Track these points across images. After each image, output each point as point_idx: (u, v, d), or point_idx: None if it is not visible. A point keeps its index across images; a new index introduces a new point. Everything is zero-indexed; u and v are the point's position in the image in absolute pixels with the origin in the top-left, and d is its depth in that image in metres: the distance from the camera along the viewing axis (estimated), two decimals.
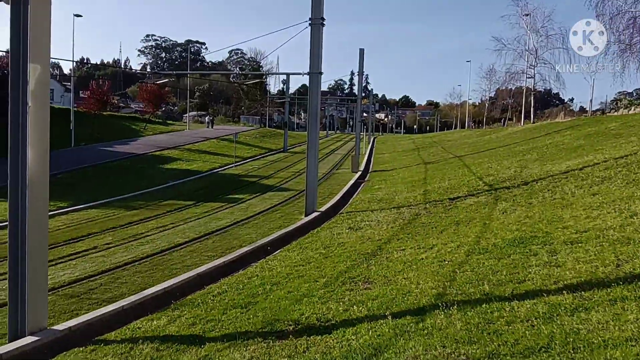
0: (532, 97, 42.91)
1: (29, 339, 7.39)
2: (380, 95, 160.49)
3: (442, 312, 5.70)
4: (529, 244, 7.52)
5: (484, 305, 5.58)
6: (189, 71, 59.68)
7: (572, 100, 62.81)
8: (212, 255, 13.09)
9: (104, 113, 49.00)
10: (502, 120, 73.92)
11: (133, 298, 9.34)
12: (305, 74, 18.56)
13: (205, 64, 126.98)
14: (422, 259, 8.70)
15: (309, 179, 18.87)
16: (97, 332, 8.14)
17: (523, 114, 46.93)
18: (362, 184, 27.63)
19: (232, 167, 36.00)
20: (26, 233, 7.34)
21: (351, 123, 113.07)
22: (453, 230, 10.90)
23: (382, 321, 5.85)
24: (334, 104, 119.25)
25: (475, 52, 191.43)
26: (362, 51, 34.60)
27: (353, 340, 5.50)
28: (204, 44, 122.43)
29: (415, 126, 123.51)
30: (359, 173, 33.36)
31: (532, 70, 42.74)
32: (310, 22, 17.89)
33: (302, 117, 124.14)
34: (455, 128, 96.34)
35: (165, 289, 9.89)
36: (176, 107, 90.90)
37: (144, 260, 12.80)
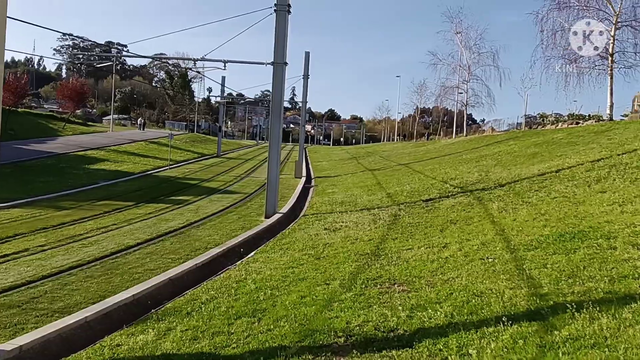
0: (465, 112, 44.16)
1: None
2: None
3: (577, 315, 4.60)
4: (585, 239, 6.82)
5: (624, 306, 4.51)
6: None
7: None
8: (176, 258, 11.46)
9: (19, 110, 44.33)
10: (427, 135, 76.04)
11: (97, 307, 7.64)
12: (268, 63, 17.32)
13: (127, 67, 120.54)
14: (448, 257, 7.81)
15: (270, 179, 17.61)
16: (57, 352, 6.44)
17: (455, 127, 48.28)
18: (311, 189, 26.71)
19: (167, 169, 33.65)
20: None
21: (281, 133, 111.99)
22: (456, 229, 10.17)
23: (484, 329, 4.68)
24: (264, 112, 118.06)
25: (407, 67, 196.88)
26: (307, 54, 33.88)
27: (468, 355, 4.24)
28: (125, 46, 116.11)
29: (341, 138, 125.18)
30: (303, 179, 32.36)
31: (465, 86, 44.06)
32: (275, 8, 16.75)
33: (228, 126, 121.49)
34: (382, 141, 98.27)
35: (134, 297, 8.29)
36: (95, 110, 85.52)
37: (93, 264, 10.90)
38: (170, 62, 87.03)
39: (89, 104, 74.87)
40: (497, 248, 7.51)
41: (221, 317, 6.64)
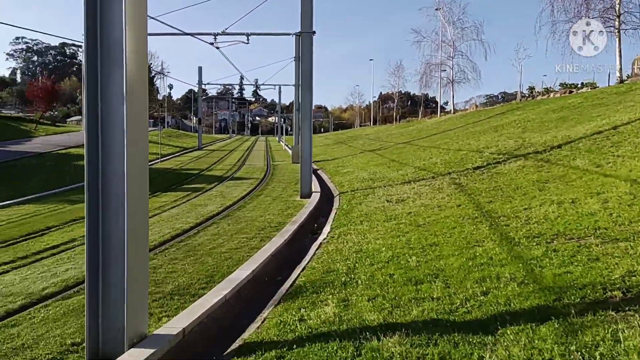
0: (452, 89, 44.15)
1: (138, 353, 4.68)
2: (269, 100, 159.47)
3: None
4: None
5: None
6: None
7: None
8: (250, 237, 10.58)
9: None
10: (398, 118, 76.15)
11: (228, 285, 6.73)
12: (295, 34, 16.44)
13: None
14: (600, 208, 7.27)
15: (304, 158, 16.82)
16: (214, 333, 5.60)
17: (439, 106, 48.31)
18: (319, 171, 25.97)
19: (159, 162, 32.17)
20: (125, 226, 4.71)
21: (249, 126, 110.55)
22: (560, 186, 9.69)
23: None
24: (232, 106, 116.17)
25: (381, 51, 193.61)
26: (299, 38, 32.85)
27: None
28: (80, 46, 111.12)
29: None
30: None
31: (451, 62, 44.04)
32: None
33: (193, 121, 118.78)
34: (353, 127, 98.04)
35: (253, 272, 7.41)
36: (56, 112, 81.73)
37: (164, 247, 9.88)
38: None
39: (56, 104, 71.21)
40: None
41: (397, 285, 5.86)
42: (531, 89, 38.89)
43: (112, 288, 4.78)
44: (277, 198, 16.84)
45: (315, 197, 15.80)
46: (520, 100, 35.27)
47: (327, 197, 16.41)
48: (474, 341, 4.05)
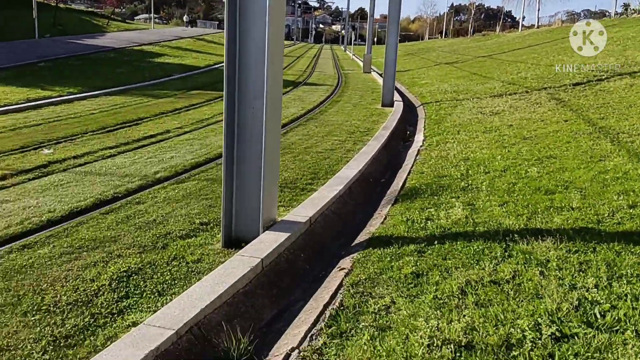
0: (538, 1, 40.52)
1: (274, 236, 4.72)
2: (333, 7, 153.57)
3: None
4: None
5: None
6: None
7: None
8: (342, 140, 10.48)
9: (61, 5, 42.15)
10: (472, 32, 72.23)
11: (337, 182, 6.67)
12: None
13: None
14: None
15: (388, 63, 16.18)
16: (335, 226, 5.62)
17: (520, 20, 44.82)
18: None
19: None
20: (264, 113, 4.52)
21: (313, 33, 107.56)
22: None
23: None
24: (296, 12, 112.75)
25: None
26: None
27: None
28: None
29: (375, 38, 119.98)
30: (374, 72, 30.67)
31: None
32: None
33: None
34: (420, 40, 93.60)
35: (360, 172, 7.32)
36: (124, 9, 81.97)
37: None
38: None
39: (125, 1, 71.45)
40: None
41: (524, 193, 5.59)
42: (626, 6, 35.23)
43: (249, 172, 4.79)
44: (357, 105, 16.49)
45: (398, 106, 15.35)
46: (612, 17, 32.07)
47: (408, 107, 15.91)
48: (638, 252, 3.82)
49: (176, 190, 6.72)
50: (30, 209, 5.89)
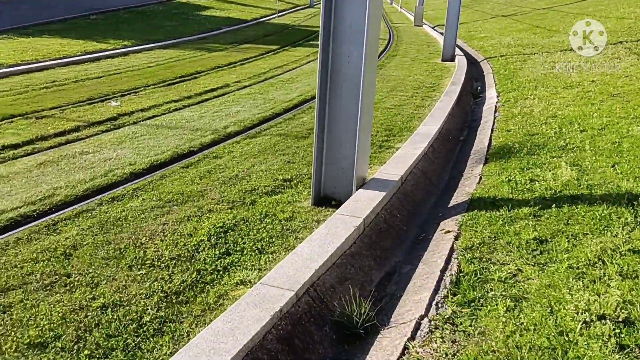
0: None
1: (372, 194, 4.47)
2: None
3: None
4: None
5: None
6: None
7: None
8: (409, 95, 10.05)
9: None
10: None
11: (419, 139, 6.34)
12: None
13: None
14: None
15: (450, 17, 15.38)
16: (424, 184, 5.32)
17: None
18: None
19: (276, 17, 31.37)
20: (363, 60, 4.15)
21: None
22: None
23: None
24: None
25: None
26: None
27: None
28: None
29: None
30: (426, 26, 29.49)
31: None
32: None
33: None
34: None
35: (440, 130, 6.93)
36: None
37: None
38: None
39: None
40: None
41: (633, 153, 5.11)
42: None
43: (343, 126, 4.51)
44: (415, 59, 15.81)
45: (461, 60, 14.60)
46: None
47: (470, 62, 15.14)
48: None
49: (250, 145, 6.54)
50: (110, 161, 5.84)
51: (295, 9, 42.03)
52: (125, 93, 9.90)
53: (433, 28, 29.12)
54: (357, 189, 4.55)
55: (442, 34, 25.53)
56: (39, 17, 20.50)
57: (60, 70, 12.33)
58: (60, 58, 13.75)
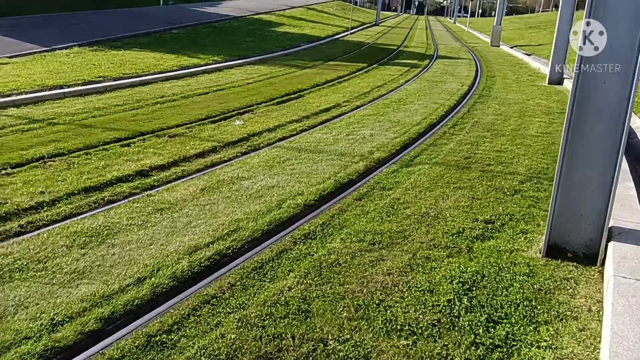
0: None
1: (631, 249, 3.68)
2: None
3: None
4: None
5: None
6: None
7: None
8: (539, 120, 9.20)
9: None
10: None
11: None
12: None
13: None
14: None
15: (560, 34, 14.35)
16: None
17: None
18: (532, 55, 23.00)
19: (349, 34, 31.13)
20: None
21: (416, 4, 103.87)
22: None
23: None
24: None
25: None
26: None
27: None
28: None
29: (479, 10, 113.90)
30: (503, 45, 28.49)
31: None
32: None
33: None
34: (532, 12, 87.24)
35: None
36: None
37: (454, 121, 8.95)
38: None
39: None
40: None
41: None
42: None
43: (592, 161, 3.80)
44: (518, 81, 14.93)
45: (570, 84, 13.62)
46: None
47: None
48: None
49: (414, 176, 5.90)
50: (274, 189, 5.32)
51: (364, 26, 41.88)
52: (242, 111, 9.53)
53: (512, 47, 28.06)
54: (606, 241, 3.81)
55: (528, 54, 24.54)
56: (128, 29, 20.90)
57: (164, 85, 12.18)
58: (159, 72, 13.66)
